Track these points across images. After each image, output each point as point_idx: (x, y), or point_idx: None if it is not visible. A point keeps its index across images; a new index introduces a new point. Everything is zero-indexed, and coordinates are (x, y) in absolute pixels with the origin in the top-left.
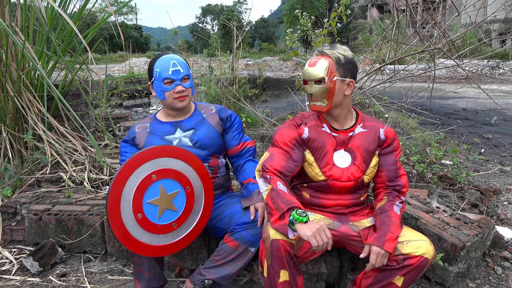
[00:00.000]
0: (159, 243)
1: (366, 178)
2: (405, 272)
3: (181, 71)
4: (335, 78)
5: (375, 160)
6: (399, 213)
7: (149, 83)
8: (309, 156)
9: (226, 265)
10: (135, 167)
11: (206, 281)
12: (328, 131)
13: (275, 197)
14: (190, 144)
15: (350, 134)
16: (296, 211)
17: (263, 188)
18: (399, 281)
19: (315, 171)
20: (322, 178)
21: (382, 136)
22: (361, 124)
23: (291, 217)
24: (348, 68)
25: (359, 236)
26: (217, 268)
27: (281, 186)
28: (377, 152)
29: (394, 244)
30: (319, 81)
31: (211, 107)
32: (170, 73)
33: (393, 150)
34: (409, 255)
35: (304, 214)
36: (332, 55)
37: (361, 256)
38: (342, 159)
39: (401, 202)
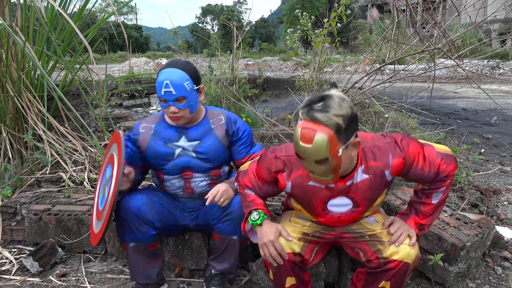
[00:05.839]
0: (97, 230)
1: (367, 213)
2: (389, 277)
3: (173, 93)
4: (340, 150)
5: (380, 199)
6: (435, 202)
7: None
8: (295, 204)
9: (222, 257)
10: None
11: (213, 271)
12: (318, 184)
13: (242, 201)
14: (193, 155)
15: (349, 183)
16: (251, 214)
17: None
18: (386, 286)
19: (305, 214)
20: (315, 220)
21: (389, 178)
22: (362, 167)
23: (250, 222)
24: (351, 129)
25: (353, 237)
26: (217, 261)
27: (248, 191)
28: (385, 190)
29: (414, 226)
30: (322, 161)
31: (221, 117)
32: (162, 93)
33: (415, 166)
34: (388, 259)
35: (258, 217)
36: (328, 123)
37: (383, 228)
38: (339, 205)
39: (447, 187)
